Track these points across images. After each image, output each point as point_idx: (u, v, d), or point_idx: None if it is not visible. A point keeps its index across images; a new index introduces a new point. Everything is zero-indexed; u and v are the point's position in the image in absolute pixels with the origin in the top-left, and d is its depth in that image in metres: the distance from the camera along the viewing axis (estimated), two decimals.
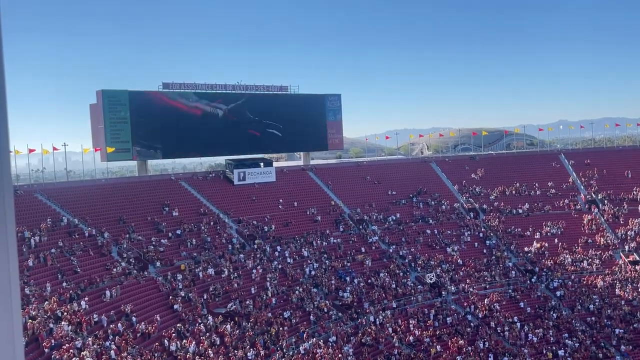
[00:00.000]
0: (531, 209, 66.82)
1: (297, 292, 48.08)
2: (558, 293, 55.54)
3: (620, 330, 50.48)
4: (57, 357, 30.15)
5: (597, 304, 53.86)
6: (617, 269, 58.76)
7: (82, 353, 30.97)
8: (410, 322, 48.05)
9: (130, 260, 45.07)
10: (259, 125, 66.97)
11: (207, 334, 38.94)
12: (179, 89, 62.64)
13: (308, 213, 60.55)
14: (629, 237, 62.87)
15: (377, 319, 47.54)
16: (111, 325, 35.93)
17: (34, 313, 33.18)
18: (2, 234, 2.04)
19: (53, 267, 40.30)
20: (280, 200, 61.00)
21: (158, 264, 46.15)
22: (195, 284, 45.22)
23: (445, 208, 65.68)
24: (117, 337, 34.67)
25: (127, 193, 54.78)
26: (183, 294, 43.13)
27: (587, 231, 64.10)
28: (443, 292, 52.94)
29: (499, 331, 49.44)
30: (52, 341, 31.47)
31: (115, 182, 58.13)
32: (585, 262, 59.52)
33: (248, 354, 37.88)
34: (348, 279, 52.01)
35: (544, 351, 47.37)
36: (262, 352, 38.48)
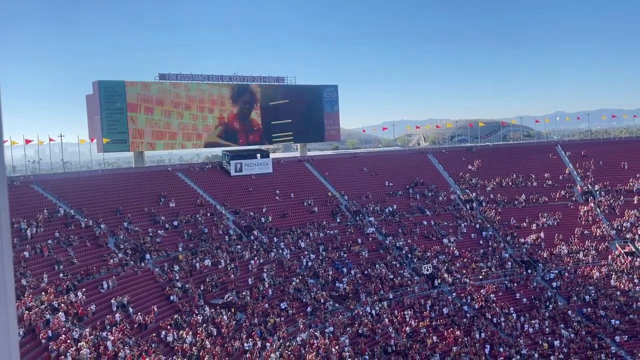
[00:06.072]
0: (528, 200, 66.94)
1: (293, 283, 48.16)
2: (554, 284, 55.73)
3: (616, 321, 50.73)
4: (54, 348, 30.15)
5: (593, 295, 54.08)
6: (612, 260, 58.98)
7: (80, 344, 30.99)
8: (407, 313, 48.21)
9: (127, 251, 45.06)
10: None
11: (204, 324, 39.00)
12: (175, 79, 62.46)
13: (305, 204, 60.56)
14: (624, 228, 63.08)
15: (374, 310, 47.68)
16: (108, 316, 35.95)
17: (30, 304, 33.16)
18: None
19: (50, 258, 40.27)
20: (277, 192, 60.98)
21: (155, 254, 46.16)
22: (192, 275, 45.28)
23: (442, 199, 65.76)
24: (114, 327, 34.70)
25: (124, 184, 54.73)
26: (180, 285, 43.17)
27: (583, 222, 64.27)
28: (439, 283, 53.08)
29: (495, 322, 49.63)
30: (49, 332, 31.48)
31: (111, 173, 58.02)
32: (581, 253, 59.70)
33: (245, 344, 37.96)
34: (345, 270, 52.10)
35: (540, 342, 47.57)
36: (258, 343, 38.55)
